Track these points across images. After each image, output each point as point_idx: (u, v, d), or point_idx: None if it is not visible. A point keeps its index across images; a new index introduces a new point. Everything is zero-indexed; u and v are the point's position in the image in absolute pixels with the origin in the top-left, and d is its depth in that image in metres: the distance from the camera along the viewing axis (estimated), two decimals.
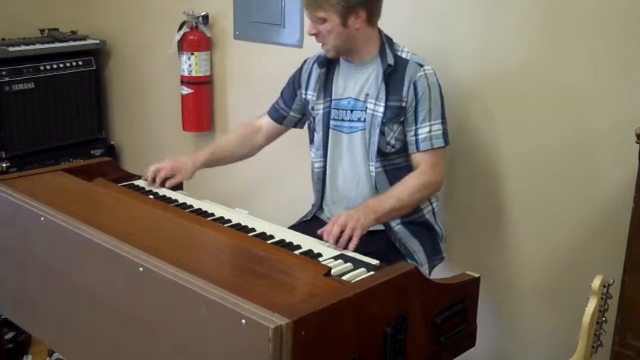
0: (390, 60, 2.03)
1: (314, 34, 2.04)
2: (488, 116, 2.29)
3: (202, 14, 3.17)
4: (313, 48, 2.68)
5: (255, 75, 3.09)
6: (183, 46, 3.18)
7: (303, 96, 2.20)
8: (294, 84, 2.25)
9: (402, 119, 2.04)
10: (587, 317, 1.60)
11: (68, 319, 1.73)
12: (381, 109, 2.03)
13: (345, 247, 1.76)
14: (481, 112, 2.30)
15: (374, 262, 1.64)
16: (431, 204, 2.17)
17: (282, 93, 2.30)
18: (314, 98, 2.16)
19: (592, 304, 1.60)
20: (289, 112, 2.27)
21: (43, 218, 1.71)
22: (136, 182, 2.20)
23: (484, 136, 2.31)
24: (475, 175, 2.37)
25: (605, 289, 1.61)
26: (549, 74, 2.15)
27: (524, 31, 2.17)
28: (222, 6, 3.13)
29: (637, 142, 1.69)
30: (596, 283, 1.60)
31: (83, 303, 1.65)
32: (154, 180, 2.16)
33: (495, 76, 2.25)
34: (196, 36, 3.16)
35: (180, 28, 3.21)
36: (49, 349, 2.53)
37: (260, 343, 1.18)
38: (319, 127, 2.16)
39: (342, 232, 1.79)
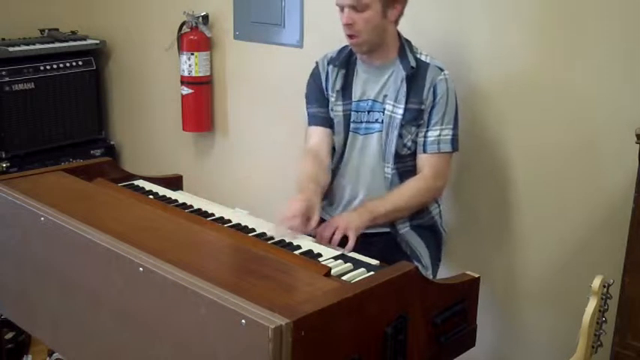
0: (412, 62, 2.02)
1: (349, 25, 1.95)
2: (494, 116, 2.29)
3: (202, 14, 3.17)
4: (313, 48, 2.68)
5: (255, 75, 3.09)
6: (183, 46, 3.18)
7: (325, 95, 2.15)
8: (317, 84, 2.15)
9: (420, 122, 2.03)
10: (587, 317, 1.60)
11: (68, 319, 1.73)
12: (400, 111, 2.02)
13: (342, 247, 1.77)
14: (488, 113, 2.30)
15: (374, 262, 1.64)
16: (438, 206, 2.17)
17: (311, 101, 2.16)
18: (332, 99, 2.12)
19: (592, 304, 1.60)
20: (328, 111, 2.13)
21: (43, 218, 1.71)
22: (136, 182, 2.20)
23: (489, 136, 2.31)
24: (478, 176, 2.38)
25: (605, 289, 1.61)
26: (554, 76, 2.15)
27: (531, 34, 2.17)
28: (222, 6, 3.13)
29: (637, 142, 1.69)
30: (596, 283, 1.60)
31: (83, 303, 1.65)
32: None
33: (503, 79, 2.25)
34: (196, 36, 3.16)
35: (180, 28, 3.21)
36: (49, 349, 2.53)
37: (260, 343, 1.18)
38: (339, 130, 2.11)
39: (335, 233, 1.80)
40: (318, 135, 2.13)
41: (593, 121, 2.08)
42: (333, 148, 2.15)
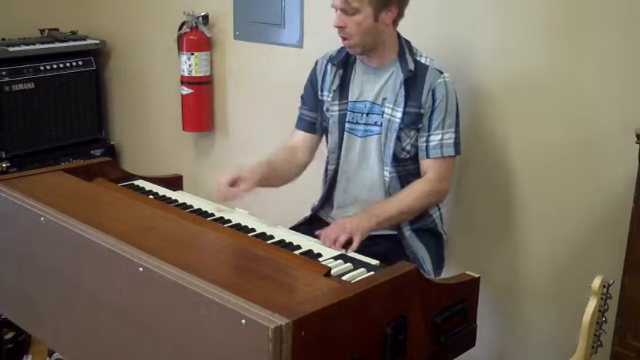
0: (411, 65, 2.00)
1: (340, 27, 1.97)
2: (495, 116, 2.29)
3: (202, 14, 3.17)
4: (313, 48, 2.68)
5: (255, 75, 3.09)
6: (183, 46, 3.18)
7: (319, 97, 2.16)
8: (312, 86, 2.18)
9: (419, 126, 2.02)
10: (587, 317, 1.60)
11: (68, 319, 1.73)
12: (399, 115, 2.01)
13: (346, 250, 1.76)
14: (488, 113, 2.30)
15: (374, 262, 1.64)
16: (439, 209, 2.16)
17: (303, 101, 2.21)
18: (329, 99, 2.12)
19: (592, 304, 1.60)
20: (317, 116, 2.18)
21: (43, 218, 1.71)
22: (136, 182, 2.20)
23: (490, 135, 2.31)
24: (478, 175, 2.38)
25: (605, 289, 1.61)
26: (554, 77, 2.14)
27: (533, 34, 2.17)
28: (222, 6, 3.13)
29: (637, 142, 1.69)
30: (596, 283, 1.60)
31: (83, 303, 1.65)
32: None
33: (504, 79, 2.25)
34: (196, 36, 3.16)
35: (180, 28, 3.21)
36: (49, 349, 2.53)
37: (260, 343, 1.18)
38: (334, 130, 2.12)
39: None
40: (301, 137, 2.20)
41: (593, 121, 2.08)
42: (329, 162, 2.18)
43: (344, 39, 2.00)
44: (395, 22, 2.03)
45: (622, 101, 2.01)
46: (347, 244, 1.79)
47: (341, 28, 1.98)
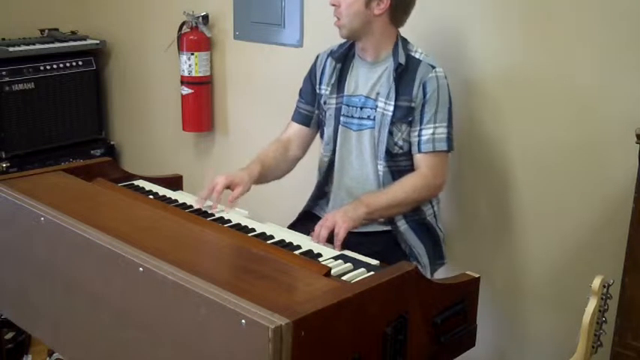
0: (402, 59, 2.01)
1: (334, 5, 2.02)
2: (495, 115, 2.29)
3: (202, 14, 3.17)
4: (313, 48, 2.68)
5: (255, 75, 3.09)
6: (183, 46, 3.18)
7: (317, 90, 2.18)
8: (311, 80, 2.21)
9: (410, 119, 2.02)
10: (587, 317, 1.60)
11: (68, 319, 1.73)
12: (391, 109, 2.01)
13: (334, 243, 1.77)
14: (488, 112, 2.30)
15: (374, 262, 1.64)
16: (432, 206, 2.15)
17: (301, 94, 2.24)
18: (327, 92, 2.14)
19: (592, 304, 1.60)
20: (314, 110, 2.21)
21: (43, 218, 1.71)
22: (136, 182, 2.20)
23: (489, 134, 2.32)
24: (479, 175, 2.38)
25: (605, 289, 1.61)
26: (554, 76, 2.15)
27: (533, 32, 2.18)
28: (222, 6, 3.13)
29: (637, 143, 1.69)
30: (596, 283, 1.59)
31: (83, 303, 1.65)
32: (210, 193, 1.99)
33: (503, 77, 2.25)
34: (196, 36, 3.16)
35: (180, 28, 3.21)
36: (49, 349, 2.53)
37: (260, 343, 1.18)
38: (330, 122, 2.14)
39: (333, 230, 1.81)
40: (294, 131, 2.24)
41: (593, 121, 2.08)
42: (323, 153, 2.19)
43: (337, 19, 2.04)
44: (393, 19, 2.03)
45: (622, 100, 2.01)
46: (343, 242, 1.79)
47: (335, 7, 2.02)
